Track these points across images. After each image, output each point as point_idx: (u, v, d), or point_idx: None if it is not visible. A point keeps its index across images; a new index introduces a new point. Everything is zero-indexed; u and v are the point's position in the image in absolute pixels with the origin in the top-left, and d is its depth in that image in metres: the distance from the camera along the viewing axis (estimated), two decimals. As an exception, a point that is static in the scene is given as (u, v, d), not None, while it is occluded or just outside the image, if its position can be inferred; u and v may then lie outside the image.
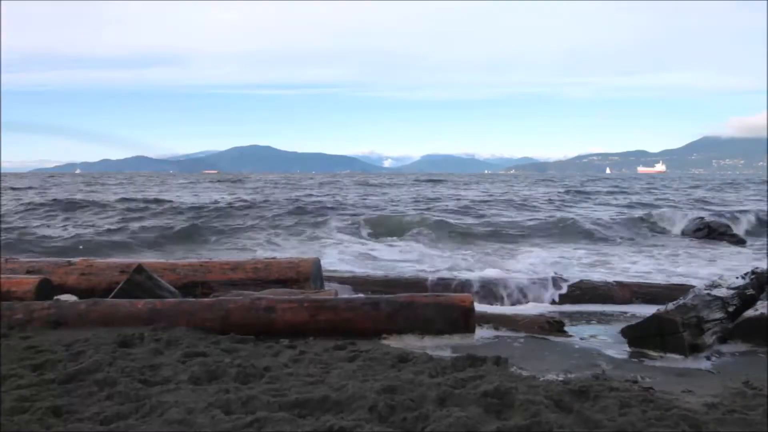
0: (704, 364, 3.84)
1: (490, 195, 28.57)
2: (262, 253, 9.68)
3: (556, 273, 6.42)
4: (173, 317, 4.33)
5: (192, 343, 3.83)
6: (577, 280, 6.16)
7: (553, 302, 5.78)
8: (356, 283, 6.11)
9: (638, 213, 16.88)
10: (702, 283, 5.23)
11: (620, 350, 4.15)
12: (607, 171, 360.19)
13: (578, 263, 9.00)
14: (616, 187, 41.61)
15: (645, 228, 14.27)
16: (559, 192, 31.30)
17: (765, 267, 5.57)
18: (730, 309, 4.47)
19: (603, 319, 5.24)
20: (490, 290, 5.90)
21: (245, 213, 17.02)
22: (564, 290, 5.87)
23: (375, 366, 3.39)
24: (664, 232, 13.81)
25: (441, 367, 3.37)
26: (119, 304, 4.50)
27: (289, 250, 10.53)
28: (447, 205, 20.45)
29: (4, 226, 13.21)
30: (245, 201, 20.53)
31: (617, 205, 22.18)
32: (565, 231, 13.55)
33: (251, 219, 15.59)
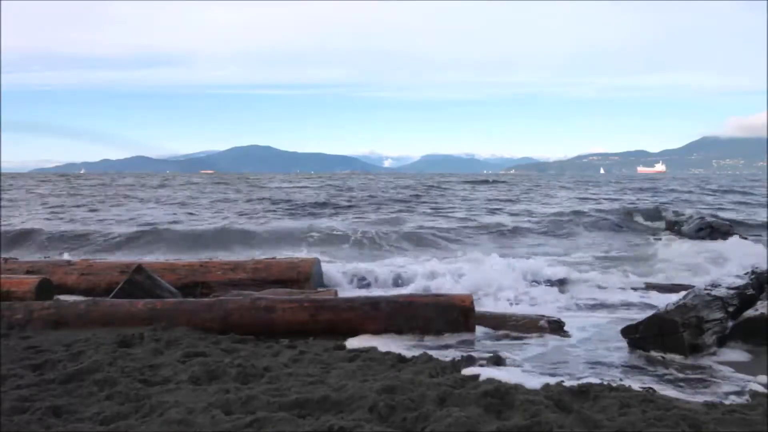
0: (704, 364, 3.83)
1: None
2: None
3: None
4: (173, 317, 4.33)
5: (192, 343, 3.83)
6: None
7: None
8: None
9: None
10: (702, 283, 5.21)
11: (620, 350, 4.14)
12: (601, 171, 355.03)
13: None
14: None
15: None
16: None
17: (765, 267, 5.56)
18: (730, 309, 4.46)
19: (603, 319, 5.23)
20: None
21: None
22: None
23: (375, 366, 3.38)
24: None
25: (441, 367, 3.37)
26: (119, 304, 4.50)
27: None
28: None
29: None
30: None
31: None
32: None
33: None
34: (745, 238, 11.35)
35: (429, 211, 18.12)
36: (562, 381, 3.15)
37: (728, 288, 4.76)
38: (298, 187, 35.85)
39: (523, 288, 6.07)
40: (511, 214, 16.78)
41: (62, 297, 5.31)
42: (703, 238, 12.01)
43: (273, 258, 6.51)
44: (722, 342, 4.20)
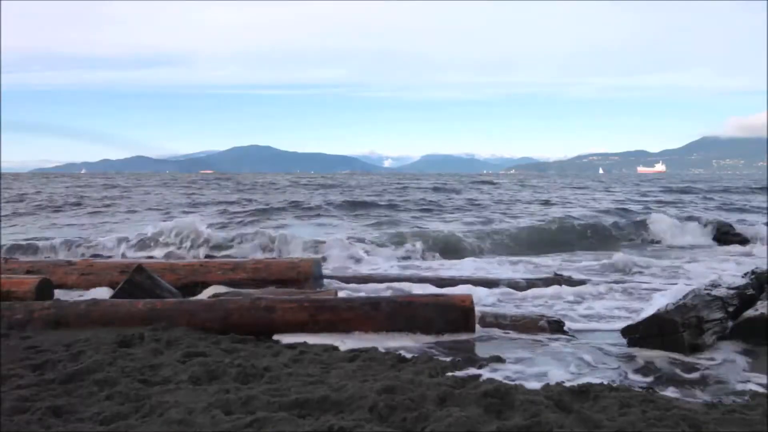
0: (704, 364, 3.83)
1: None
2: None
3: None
4: (173, 317, 4.33)
5: (192, 343, 3.83)
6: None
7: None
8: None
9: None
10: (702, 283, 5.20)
11: (620, 350, 4.14)
12: (600, 171, 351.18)
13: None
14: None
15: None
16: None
17: (765, 267, 5.56)
18: (730, 309, 4.46)
19: (603, 319, 5.23)
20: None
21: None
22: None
23: (375, 366, 3.39)
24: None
25: (441, 367, 3.37)
26: (119, 304, 4.50)
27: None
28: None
29: None
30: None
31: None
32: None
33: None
34: None
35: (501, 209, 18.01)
36: (562, 381, 3.16)
37: (728, 288, 4.76)
38: (376, 190, 32.12)
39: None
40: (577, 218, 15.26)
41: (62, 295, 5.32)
42: None
43: (273, 258, 6.52)
44: (722, 342, 4.20)
